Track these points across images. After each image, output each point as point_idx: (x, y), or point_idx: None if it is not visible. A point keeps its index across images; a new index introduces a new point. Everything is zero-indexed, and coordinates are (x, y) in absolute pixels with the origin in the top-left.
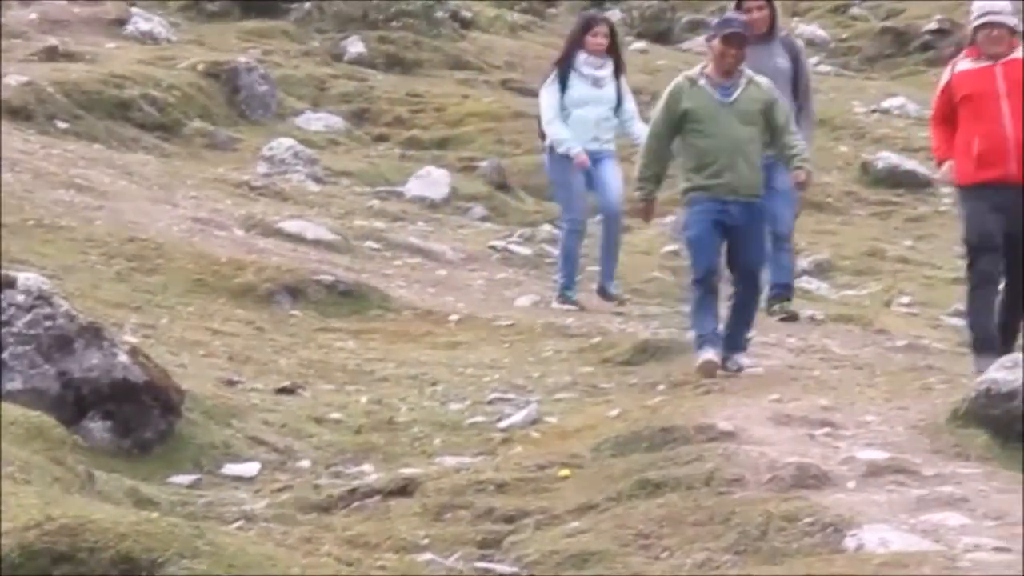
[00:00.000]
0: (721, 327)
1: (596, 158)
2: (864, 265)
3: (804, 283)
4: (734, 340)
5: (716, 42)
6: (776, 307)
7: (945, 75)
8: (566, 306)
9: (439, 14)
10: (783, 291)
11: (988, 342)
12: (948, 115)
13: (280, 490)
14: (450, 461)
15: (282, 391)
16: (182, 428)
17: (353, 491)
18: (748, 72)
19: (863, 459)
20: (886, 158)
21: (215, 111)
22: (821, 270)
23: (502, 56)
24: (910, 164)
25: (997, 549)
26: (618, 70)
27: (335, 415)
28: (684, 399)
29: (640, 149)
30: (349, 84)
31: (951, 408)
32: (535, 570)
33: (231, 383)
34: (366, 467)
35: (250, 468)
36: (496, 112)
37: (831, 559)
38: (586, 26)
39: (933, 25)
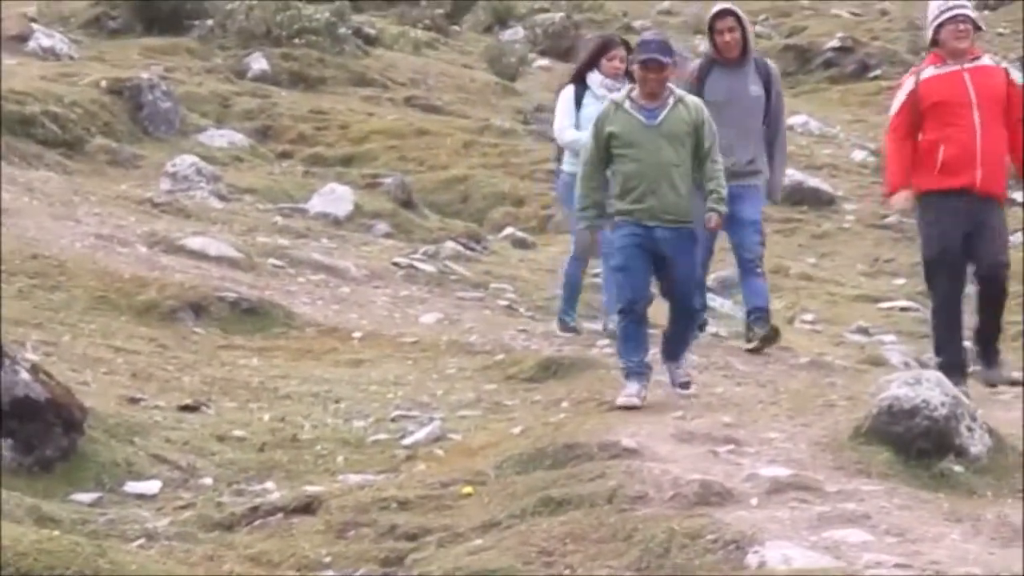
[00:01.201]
0: (649, 357)
1: None
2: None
3: (707, 300)
4: (669, 352)
5: (636, 67)
6: (752, 333)
7: (908, 84)
8: (566, 333)
9: (343, 31)
10: (761, 314)
11: (955, 367)
12: (911, 129)
13: (182, 508)
14: (353, 478)
15: (185, 409)
16: (84, 446)
17: (256, 509)
18: (677, 92)
19: (766, 476)
20: (790, 175)
21: (118, 128)
22: (724, 287)
23: (406, 73)
24: (814, 181)
25: (898, 566)
26: None
27: (238, 433)
28: (587, 416)
29: (576, 179)
30: (252, 101)
31: (853, 425)
32: None
33: (134, 401)
34: (269, 485)
35: (152, 486)
36: (400, 129)
37: None
38: (602, 49)
39: (835, 43)
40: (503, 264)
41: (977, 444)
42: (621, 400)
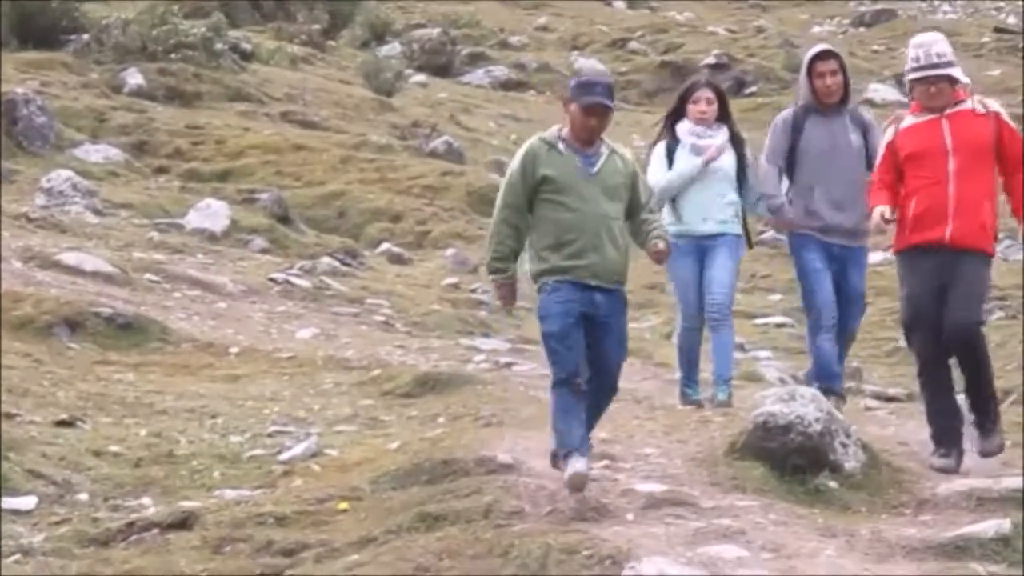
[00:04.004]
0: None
1: (706, 244)
2: (644, 298)
3: None
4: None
5: (575, 108)
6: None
7: (888, 134)
8: (687, 406)
9: (219, 46)
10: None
11: (947, 435)
12: (892, 181)
13: (58, 523)
14: (230, 494)
15: (61, 424)
16: None
17: (132, 524)
18: (608, 142)
19: (642, 492)
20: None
21: None
22: None
23: (282, 88)
24: None
25: None
26: (736, 140)
27: (114, 448)
28: (464, 432)
29: (490, 224)
30: (128, 116)
31: (729, 441)
32: None
33: (9, 416)
34: (145, 500)
35: (27, 501)
36: (277, 144)
37: None
38: (684, 95)
39: (711, 60)
40: (379, 280)
41: (851, 460)
42: (570, 475)
